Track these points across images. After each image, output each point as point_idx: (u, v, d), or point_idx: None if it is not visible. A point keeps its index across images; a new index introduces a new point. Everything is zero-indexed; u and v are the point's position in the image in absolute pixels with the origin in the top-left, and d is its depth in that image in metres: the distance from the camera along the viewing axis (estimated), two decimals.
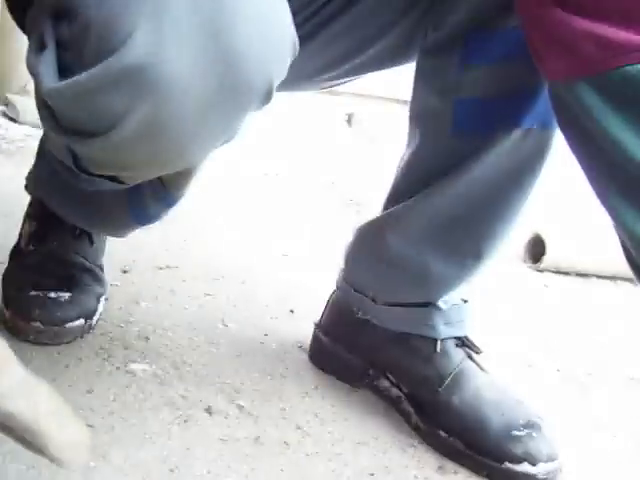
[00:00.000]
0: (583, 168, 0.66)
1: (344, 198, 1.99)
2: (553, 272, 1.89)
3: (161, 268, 1.21)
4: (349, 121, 2.58)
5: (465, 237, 0.87)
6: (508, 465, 0.82)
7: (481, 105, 0.83)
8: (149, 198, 0.86)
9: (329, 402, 0.92)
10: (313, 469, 0.78)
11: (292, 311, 1.17)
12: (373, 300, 0.92)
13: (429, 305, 0.90)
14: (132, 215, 0.90)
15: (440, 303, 0.89)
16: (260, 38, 0.55)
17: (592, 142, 0.62)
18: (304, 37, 0.64)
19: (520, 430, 0.83)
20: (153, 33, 0.53)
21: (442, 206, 0.85)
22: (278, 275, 1.31)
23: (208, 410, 0.83)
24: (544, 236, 1.90)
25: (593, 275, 1.96)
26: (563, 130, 0.69)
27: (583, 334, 1.44)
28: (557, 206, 2.81)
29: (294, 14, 0.60)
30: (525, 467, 0.81)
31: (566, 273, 1.91)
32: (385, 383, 0.94)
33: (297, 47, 0.60)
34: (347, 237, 0.99)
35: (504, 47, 0.79)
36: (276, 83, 0.59)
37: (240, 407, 0.86)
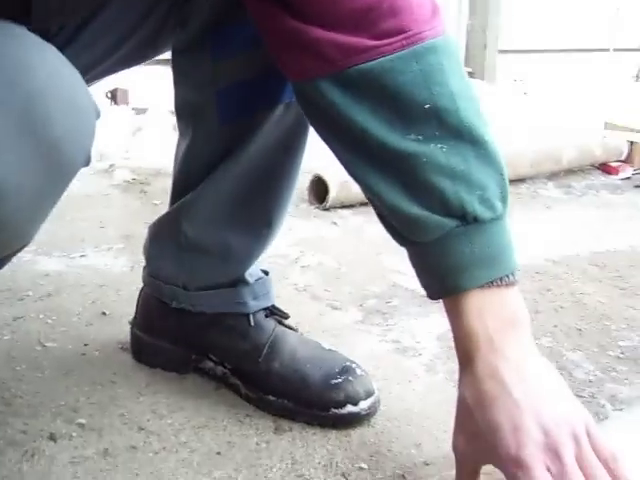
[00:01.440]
0: (336, 153, 0.75)
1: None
2: (338, 207, 2.01)
3: None
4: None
5: (255, 209, 0.95)
6: (334, 411, 0.92)
7: (241, 91, 0.89)
8: None
9: (163, 396, 0.97)
10: (164, 464, 0.84)
11: (104, 313, 1.20)
12: (184, 288, 0.98)
13: (237, 283, 0.97)
14: None
15: (247, 277, 0.97)
16: (71, 119, 0.58)
17: (341, 131, 0.71)
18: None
19: (337, 378, 0.93)
20: None
21: (228, 186, 0.92)
22: (81, 280, 1.32)
23: (52, 437, 0.86)
24: (325, 177, 2.02)
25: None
26: (311, 120, 0.77)
27: (374, 263, 1.58)
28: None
29: None
30: (349, 408, 0.92)
31: (351, 206, 2.05)
32: (209, 364, 1.01)
33: (99, 109, 0.63)
34: (143, 235, 1.04)
35: (250, 37, 0.85)
36: (91, 147, 0.62)
37: (81, 425, 0.89)
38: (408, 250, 0.74)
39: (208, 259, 0.96)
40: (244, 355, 0.96)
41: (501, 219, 0.70)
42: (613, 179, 2.83)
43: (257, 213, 0.95)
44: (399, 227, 0.72)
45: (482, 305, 0.69)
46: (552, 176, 2.49)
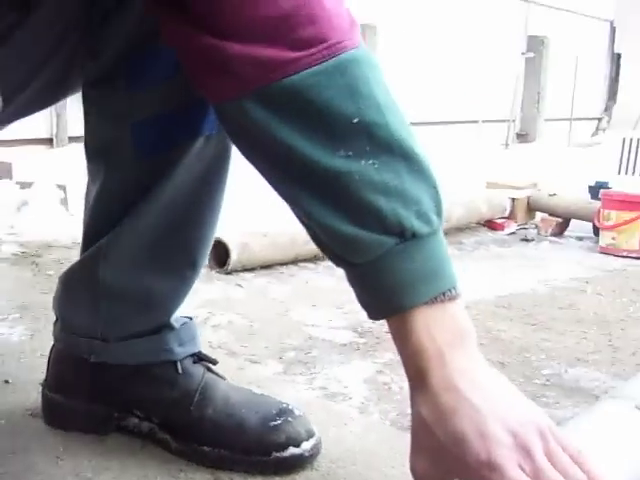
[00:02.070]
0: (264, 175, 0.71)
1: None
2: (240, 271, 1.98)
3: None
4: None
5: (177, 249, 0.89)
6: (276, 454, 0.86)
7: (157, 124, 0.84)
8: None
9: (85, 458, 0.88)
10: None
11: (7, 381, 1.10)
12: (103, 340, 0.90)
13: (162, 329, 0.90)
14: None
15: (173, 322, 0.90)
16: None
17: (268, 151, 0.68)
18: None
19: (276, 420, 0.88)
20: None
21: (147, 226, 0.86)
22: None
23: None
24: (225, 240, 1.98)
25: (275, 264, 2.09)
26: (236, 142, 0.73)
27: (285, 319, 1.54)
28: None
29: None
30: (291, 450, 0.86)
31: (252, 268, 2.01)
32: (134, 421, 0.93)
33: None
34: (54, 289, 0.96)
35: (165, 68, 0.81)
36: None
37: None
38: (346, 271, 0.70)
39: (129, 306, 0.89)
40: (174, 405, 0.89)
41: (438, 233, 0.68)
42: (500, 234, 2.93)
43: (180, 253, 0.90)
44: (335, 248, 0.68)
45: (429, 321, 0.66)
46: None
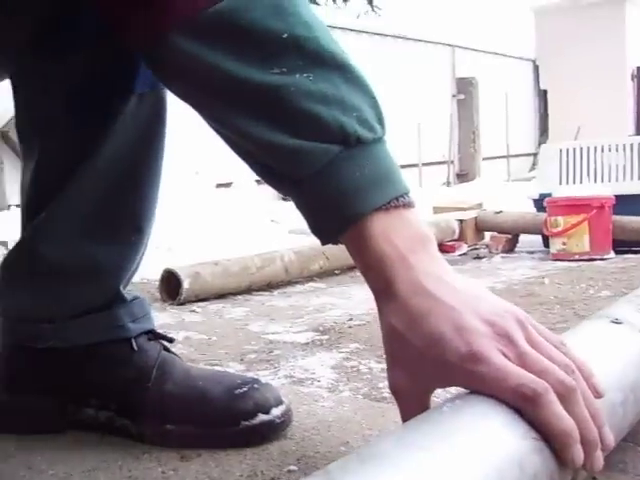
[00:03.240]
0: (202, 110, 0.68)
1: None
2: (194, 301, 1.92)
3: None
4: None
5: (120, 215, 0.84)
6: (245, 423, 0.80)
7: (89, 90, 0.80)
8: None
9: (38, 453, 0.81)
10: None
11: None
12: (50, 322, 0.84)
13: (112, 304, 0.85)
14: None
15: (124, 294, 0.85)
16: None
17: (203, 82, 0.65)
18: None
19: (242, 388, 0.82)
20: None
21: (85, 195, 0.82)
22: None
23: None
24: (175, 270, 1.93)
25: (228, 293, 2.04)
26: (171, 84, 0.70)
27: (244, 332, 1.49)
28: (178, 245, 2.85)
29: None
30: (261, 417, 0.80)
31: (205, 299, 1.96)
32: (89, 412, 0.86)
33: None
34: None
35: (93, 30, 0.77)
36: None
37: None
38: (295, 193, 0.66)
39: (75, 280, 0.84)
40: (131, 385, 0.83)
41: (382, 141, 0.65)
42: (452, 256, 2.92)
43: (123, 218, 0.85)
44: (281, 166, 0.64)
45: (387, 227, 0.62)
46: None
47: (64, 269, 0.84)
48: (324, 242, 0.66)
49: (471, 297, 0.60)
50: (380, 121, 0.65)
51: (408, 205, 0.64)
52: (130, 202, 0.85)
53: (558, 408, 0.52)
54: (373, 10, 7.40)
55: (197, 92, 0.67)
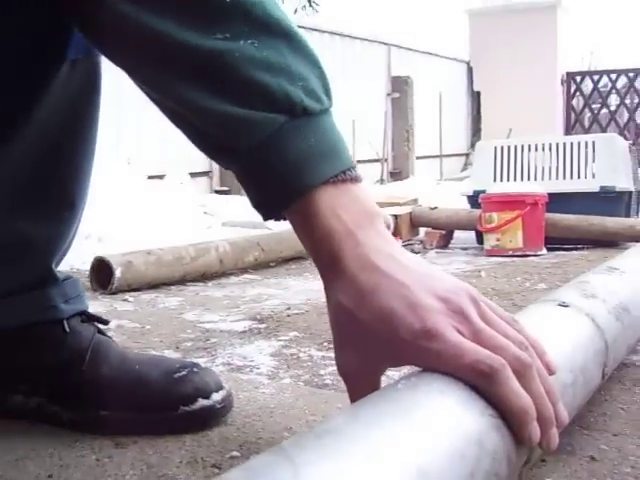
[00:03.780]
0: (140, 78, 0.64)
1: None
2: (126, 291, 1.87)
3: None
4: None
5: (51, 189, 0.80)
6: (184, 408, 0.77)
7: (19, 51, 0.76)
8: None
9: None
10: None
11: None
12: None
13: (44, 283, 0.80)
14: None
15: (55, 273, 0.81)
16: None
17: (142, 46, 0.61)
18: None
19: (181, 371, 0.79)
20: None
21: (14, 167, 0.77)
22: None
23: None
24: (107, 259, 1.88)
25: (161, 283, 1.99)
26: (107, 49, 0.66)
27: (178, 321, 1.45)
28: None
29: None
30: (201, 402, 0.77)
31: (137, 289, 1.91)
32: (18, 398, 0.81)
33: None
34: None
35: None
36: None
37: None
38: (238, 165, 0.62)
39: (3, 256, 0.79)
40: (63, 368, 0.79)
41: (329, 113, 0.63)
42: None
43: (54, 192, 0.80)
44: (222, 135, 0.61)
45: (334, 202, 0.60)
46: None
47: None
48: (267, 217, 0.63)
49: (423, 275, 0.58)
50: (327, 92, 0.63)
51: (355, 179, 0.62)
52: (62, 175, 0.80)
53: (515, 384, 0.51)
54: (311, 5, 7.38)
55: (134, 57, 0.63)
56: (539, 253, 2.64)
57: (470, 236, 3.05)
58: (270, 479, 0.36)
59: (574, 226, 2.74)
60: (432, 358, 0.53)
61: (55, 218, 0.81)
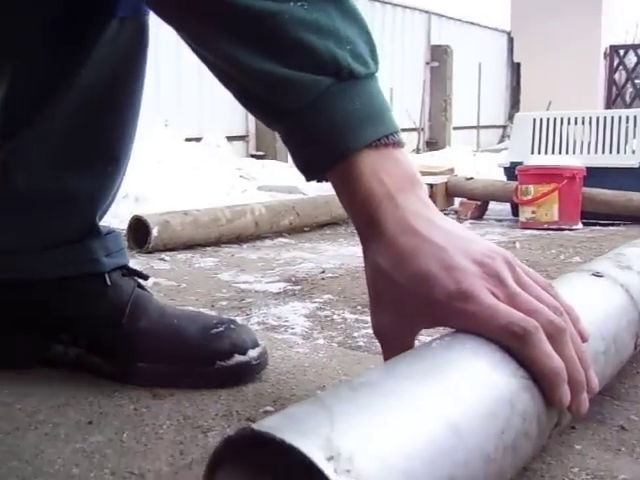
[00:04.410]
0: (191, 37, 0.65)
1: None
2: (162, 250, 1.90)
3: None
4: None
5: (96, 144, 0.81)
6: (220, 363, 0.79)
7: (68, 9, 0.77)
8: None
9: (3, 388, 0.79)
10: (22, 441, 0.66)
11: None
12: (18, 252, 0.82)
13: (86, 237, 0.82)
14: None
15: (99, 227, 0.82)
16: None
17: (195, 6, 0.62)
18: None
19: (218, 327, 0.81)
20: None
21: (61, 122, 0.79)
22: None
23: None
24: (144, 218, 1.90)
25: (196, 244, 2.02)
26: (158, 6, 0.67)
27: (214, 280, 1.47)
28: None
29: None
30: (237, 358, 0.79)
31: (173, 248, 1.94)
32: (59, 348, 0.84)
33: None
34: None
35: None
36: None
37: None
38: (283, 126, 0.63)
39: (48, 210, 0.81)
40: (104, 321, 0.81)
41: (375, 78, 0.63)
42: None
43: (99, 147, 0.82)
44: (270, 96, 0.62)
45: (376, 165, 0.61)
46: None
47: (37, 198, 0.81)
48: (310, 178, 0.64)
49: (460, 238, 0.59)
50: (373, 57, 0.63)
51: (398, 144, 0.62)
52: (107, 130, 0.82)
53: (548, 347, 0.52)
54: None
55: (185, 15, 0.64)
56: (574, 227, 2.61)
57: (505, 208, 3.03)
58: (308, 426, 0.38)
59: (611, 201, 2.71)
60: (466, 319, 0.54)
61: (99, 172, 0.82)
